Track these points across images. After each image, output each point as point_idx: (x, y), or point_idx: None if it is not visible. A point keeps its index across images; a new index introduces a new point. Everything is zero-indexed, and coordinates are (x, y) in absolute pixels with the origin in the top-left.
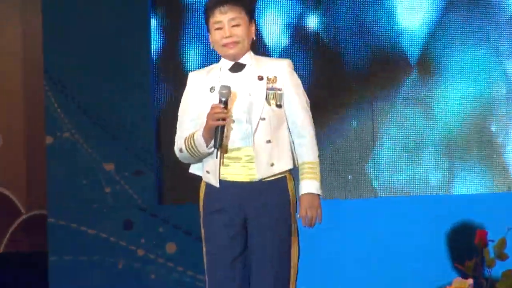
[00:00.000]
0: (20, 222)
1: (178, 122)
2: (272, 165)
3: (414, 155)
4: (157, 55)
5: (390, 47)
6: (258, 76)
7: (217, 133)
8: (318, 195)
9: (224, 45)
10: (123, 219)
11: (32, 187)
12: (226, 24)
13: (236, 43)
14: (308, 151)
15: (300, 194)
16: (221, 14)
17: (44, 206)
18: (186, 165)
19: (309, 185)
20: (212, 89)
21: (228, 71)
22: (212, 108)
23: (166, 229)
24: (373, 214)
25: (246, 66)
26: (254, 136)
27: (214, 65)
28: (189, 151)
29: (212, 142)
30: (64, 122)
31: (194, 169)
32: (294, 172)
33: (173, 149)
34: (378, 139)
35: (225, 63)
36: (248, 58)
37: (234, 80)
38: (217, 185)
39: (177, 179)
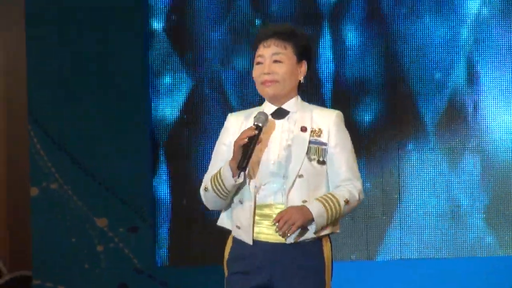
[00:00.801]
0: (1, 284)
1: (210, 164)
2: (305, 228)
3: (444, 214)
4: (155, 102)
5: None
6: (302, 127)
7: (244, 151)
8: (312, 218)
9: (262, 83)
10: (117, 282)
11: (15, 244)
12: (268, 59)
13: (275, 81)
14: (340, 189)
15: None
16: (264, 48)
17: (29, 266)
18: (190, 220)
19: (312, 204)
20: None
21: (270, 117)
22: (243, 132)
23: None
24: (399, 278)
25: (289, 114)
26: (288, 194)
27: (255, 109)
28: (215, 188)
29: (237, 178)
30: (51, 171)
31: (224, 221)
32: (334, 237)
33: (173, 201)
34: (404, 193)
35: (267, 108)
36: (293, 104)
37: (275, 128)
38: (250, 242)
39: (177, 236)
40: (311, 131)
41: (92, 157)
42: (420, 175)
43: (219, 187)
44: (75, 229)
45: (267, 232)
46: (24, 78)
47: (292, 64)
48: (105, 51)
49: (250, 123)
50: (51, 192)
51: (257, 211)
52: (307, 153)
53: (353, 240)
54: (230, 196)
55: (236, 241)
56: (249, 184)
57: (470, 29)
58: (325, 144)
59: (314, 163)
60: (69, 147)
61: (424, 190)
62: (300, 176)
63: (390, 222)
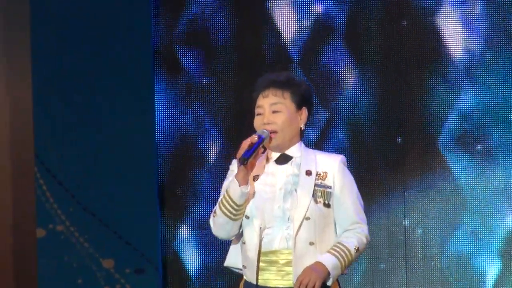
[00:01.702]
0: None
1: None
2: None
3: (453, 257)
4: (162, 135)
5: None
6: (307, 171)
7: (247, 149)
8: (329, 272)
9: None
10: None
11: (20, 286)
12: (267, 109)
13: (274, 132)
14: (349, 236)
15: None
16: (263, 99)
17: None
18: (195, 260)
19: (325, 257)
20: (255, 177)
21: (274, 163)
22: (244, 140)
23: None
24: None
25: (293, 159)
26: (296, 236)
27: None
28: (223, 207)
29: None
30: (57, 213)
31: (231, 260)
32: (341, 278)
33: (177, 244)
34: (411, 235)
35: (272, 153)
36: (296, 150)
37: (279, 173)
38: (254, 281)
39: (184, 280)
40: (316, 175)
41: (97, 199)
42: (427, 216)
43: (227, 205)
44: (82, 270)
45: (275, 278)
46: (31, 121)
47: (291, 112)
48: (112, 90)
49: (256, 167)
50: (57, 233)
51: (263, 258)
52: (313, 196)
53: (357, 279)
54: (240, 217)
55: (247, 285)
56: (253, 224)
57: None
58: (330, 187)
59: (320, 205)
60: (74, 189)
61: (432, 232)
62: (307, 218)
63: (396, 264)
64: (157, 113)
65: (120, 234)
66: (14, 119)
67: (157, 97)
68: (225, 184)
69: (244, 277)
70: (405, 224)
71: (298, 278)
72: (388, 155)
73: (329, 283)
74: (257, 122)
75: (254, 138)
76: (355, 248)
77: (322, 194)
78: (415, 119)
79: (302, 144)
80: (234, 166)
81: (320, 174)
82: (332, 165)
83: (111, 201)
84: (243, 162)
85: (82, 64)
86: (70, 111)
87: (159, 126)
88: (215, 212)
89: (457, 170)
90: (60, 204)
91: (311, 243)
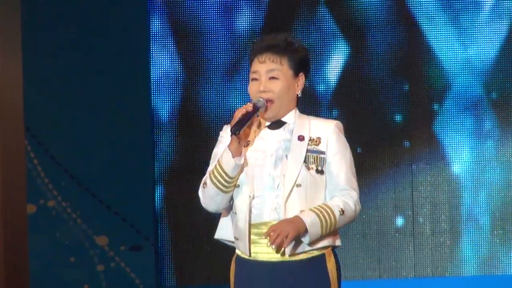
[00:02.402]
0: None
1: (208, 169)
2: (306, 242)
3: (461, 229)
4: (156, 111)
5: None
6: (299, 136)
7: (241, 118)
8: (306, 229)
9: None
10: None
11: (10, 264)
12: (263, 75)
13: (271, 101)
14: (335, 199)
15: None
16: (259, 64)
17: (26, 286)
18: (194, 237)
19: (305, 213)
20: (246, 143)
21: (267, 128)
22: (240, 108)
23: None
24: None
25: (286, 124)
26: (286, 204)
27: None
28: (214, 179)
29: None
30: (48, 188)
31: (221, 232)
32: (342, 253)
33: (176, 218)
34: (419, 209)
35: (264, 120)
36: (291, 117)
37: (271, 138)
38: (247, 253)
39: (181, 255)
40: (309, 140)
41: (91, 174)
42: (435, 190)
43: (218, 176)
44: (74, 247)
45: (267, 251)
46: (21, 92)
47: (288, 79)
48: (106, 61)
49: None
50: (48, 209)
51: (253, 230)
52: (304, 161)
53: (365, 257)
54: (231, 189)
55: (239, 262)
56: (243, 193)
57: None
58: (323, 152)
59: (313, 172)
60: (67, 163)
61: (440, 206)
62: (298, 185)
63: (403, 239)
64: (153, 85)
65: (115, 210)
66: (3, 90)
67: (152, 67)
68: (215, 151)
69: (237, 251)
70: (413, 198)
71: (272, 226)
72: (396, 125)
73: (305, 240)
74: (253, 88)
75: (249, 106)
76: (339, 211)
77: (315, 160)
78: (422, 87)
79: (297, 111)
80: (224, 132)
81: (313, 139)
82: (326, 130)
83: (105, 176)
84: (235, 132)
85: (73, 35)
86: (63, 83)
87: (155, 98)
88: (205, 183)
89: (469, 141)
90: (52, 178)
91: (302, 212)
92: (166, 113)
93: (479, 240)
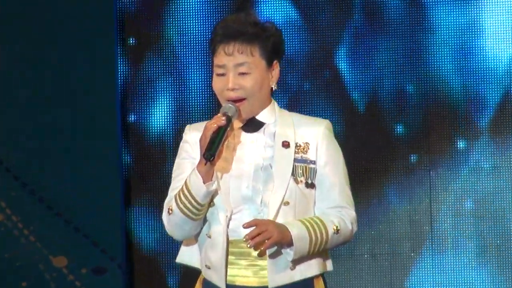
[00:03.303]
0: None
1: (171, 186)
2: (292, 268)
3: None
4: (123, 96)
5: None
6: (283, 142)
7: (212, 138)
8: (291, 242)
9: (227, 99)
10: None
11: None
12: (231, 70)
13: (242, 99)
14: (330, 214)
15: None
16: (226, 56)
17: None
18: (165, 257)
19: (294, 223)
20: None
21: (241, 130)
22: (209, 122)
23: None
24: None
25: (265, 126)
26: None
27: None
28: (181, 205)
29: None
30: None
31: (185, 257)
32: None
33: (147, 237)
34: (437, 223)
35: (237, 120)
36: (269, 114)
37: (248, 144)
38: (223, 285)
39: (153, 280)
40: (296, 147)
41: (48, 182)
42: (458, 201)
43: (186, 203)
44: (26, 270)
45: (245, 274)
46: None
47: (261, 72)
48: (71, 65)
49: None
50: None
51: (231, 249)
52: (292, 174)
53: (375, 281)
54: (202, 215)
55: (207, 285)
56: (218, 213)
57: None
58: (313, 162)
59: (302, 186)
60: (18, 169)
61: (462, 220)
62: (286, 203)
63: (420, 260)
64: (120, 89)
65: (76, 225)
66: None
67: (119, 77)
68: (178, 162)
69: (205, 276)
70: (431, 210)
71: (255, 220)
72: (412, 125)
73: (288, 256)
74: (218, 84)
75: (220, 119)
76: (334, 228)
77: (304, 172)
78: (443, 83)
79: (276, 106)
80: (188, 136)
81: (300, 146)
82: (315, 134)
83: (65, 186)
84: (209, 158)
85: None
86: (20, 80)
87: (122, 90)
88: (170, 209)
89: (496, 143)
90: (0, 187)
91: None
92: (136, 120)
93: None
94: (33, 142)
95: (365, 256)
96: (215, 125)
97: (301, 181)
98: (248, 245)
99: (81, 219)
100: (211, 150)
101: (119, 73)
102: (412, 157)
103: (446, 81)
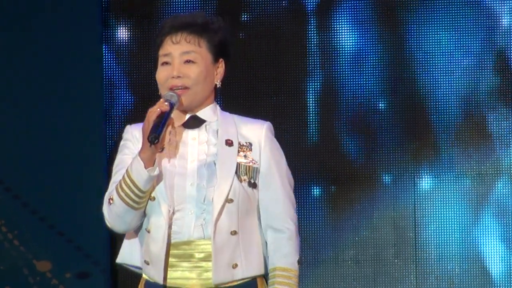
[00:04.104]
0: None
1: (111, 180)
2: (235, 266)
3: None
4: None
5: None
6: (227, 140)
7: (157, 122)
8: None
9: (171, 88)
10: None
11: None
12: (177, 58)
13: (185, 88)
14: (283, 253)
15: None
16: (172, 45)
17: None
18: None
19: None
20: (161, 148)
21: (182, 127)
22: (152, 108)
23: None
24: None
25: (207, 123)
26: (216, 224)
27: None
28: (122, 193)
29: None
30: None
31: (126, 255)
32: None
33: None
34: (422, 230)
35: (177, 115)
36: (211, 113)
37: (190, 140)
38: (161, 279)
39: (136, 285)
40: (239, 146)
41: (32, 186)
42: (441, 208)
43: (128, 191)
44: (10, 274)
45: (188, 277)
46: None
47: (207, 65)
48: (54, 70)
49: None
50: None
51: (173, 251)
52: (236, 172)
53: (358, 287)
54: (143, 205)
55: (149, 286)
56: (160, 207)
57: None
58: (256, 162)
59: (245, 184)
60: (1, 175)
61: (447, 226)
62: (230, 200)
63: (404, 266)
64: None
65: (60, 229)
66: None
67: (105, 81)
68: (120, 158)
69: (145, 277)
70: (415, 217)
71: None
72: (398, 131)
73: None
74: (163, 73)
75: (163, 105)
76: (297, 270)
77: (247, 171)
78: (427, 89)
79: (218, 107)
80: (129, 135)
81: (243, 145)
82: (257, 134)
83: (48, 190)
84: (153, 140)
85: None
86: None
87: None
88: (111, 199)
89: (480, 150)
90: None
91: (233, 232)
92: (118, 120)
93: (495, 268)
94: (17, 147)
95: (349, 262)
96: (158, 109)
97: (244, 180)
98: None
99: (65, 223)
100: (156, 133)
101: (105, 77)
102: (396, 164)
103: (431, 87)
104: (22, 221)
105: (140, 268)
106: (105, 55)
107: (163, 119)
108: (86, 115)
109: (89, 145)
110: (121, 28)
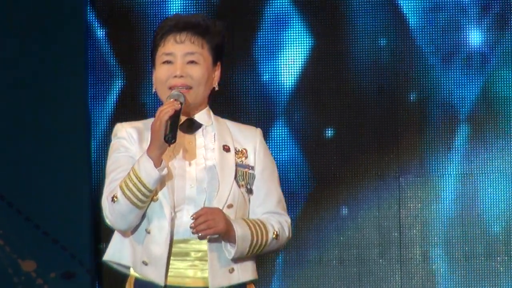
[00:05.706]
0: None
1: (109, 178)
2: (231, 271)
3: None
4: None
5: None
6: (224, 146)
7: (173, 122)
8: (235, 239)
9: (171, 87)
10: None
11: None
12: (180, 58)
13: (188, 88)
14: (271, 219)
15: None
16: (176, 44)
17: None
18: None
19: (239, 222)
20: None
21: (178, 130)
22: (163, 106)
23: None
24: None
25: (203, 128)
26: None
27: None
28: (128, 192)
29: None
30: None
31: (115, 253)
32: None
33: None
34: (406, 229)
35: None
36: (206, 117)
37: (187, 144)
38: (162, 282)
39: (122, 285)
40: (236, 152)
41: (16, 186)
42: (426, 207)
43: (134, 189)
44: None
45: (185, 275)
46: None
47: (208, 66)
48: (40, 75)
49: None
50: None
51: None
52: (235, 178)
53: (343, 287)
54: (147, 205)
55: (139, 286)
56: (162, 208)
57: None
58: (252, 168)
59: (243, 190)
60: None
61: (432, 226)
62: (229, 206)
63: (388, 266)
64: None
65: (45, 229)
66: None
67: (90, 89)
68: (117, 157)
69: (136, 276)
70: (400, 217)
71: (204, 208)
72: (381, 131)
73: (229, 254)
74: (164, 72)
75: (174, 104)
76: (274, 233)
77: (245, 177)
78: (411, 89)
79: (211, 111)
80: (124, 133)
81: (239, 151)
82: (252, 141)
83: (34, 190)
84: (170, 140)
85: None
86: None
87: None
88: (115, 197)
89: (466, 151)
90: None
91: None
92: (104, 119)
93: (479, 268)
94: (1, 148)
95: (334, 262)
96: (170, 109)
97: (242, 185)
98: (192, 232)
99: (50, 223)
100: (173, 132)
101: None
102: (381, 163)
103: (414, 87)
104: (7, 221)
105: (127, 267)
106: (89, 55)
107: (177, 118)
108: (70, 114)
109: (74, 146)
110: (105, 26)
